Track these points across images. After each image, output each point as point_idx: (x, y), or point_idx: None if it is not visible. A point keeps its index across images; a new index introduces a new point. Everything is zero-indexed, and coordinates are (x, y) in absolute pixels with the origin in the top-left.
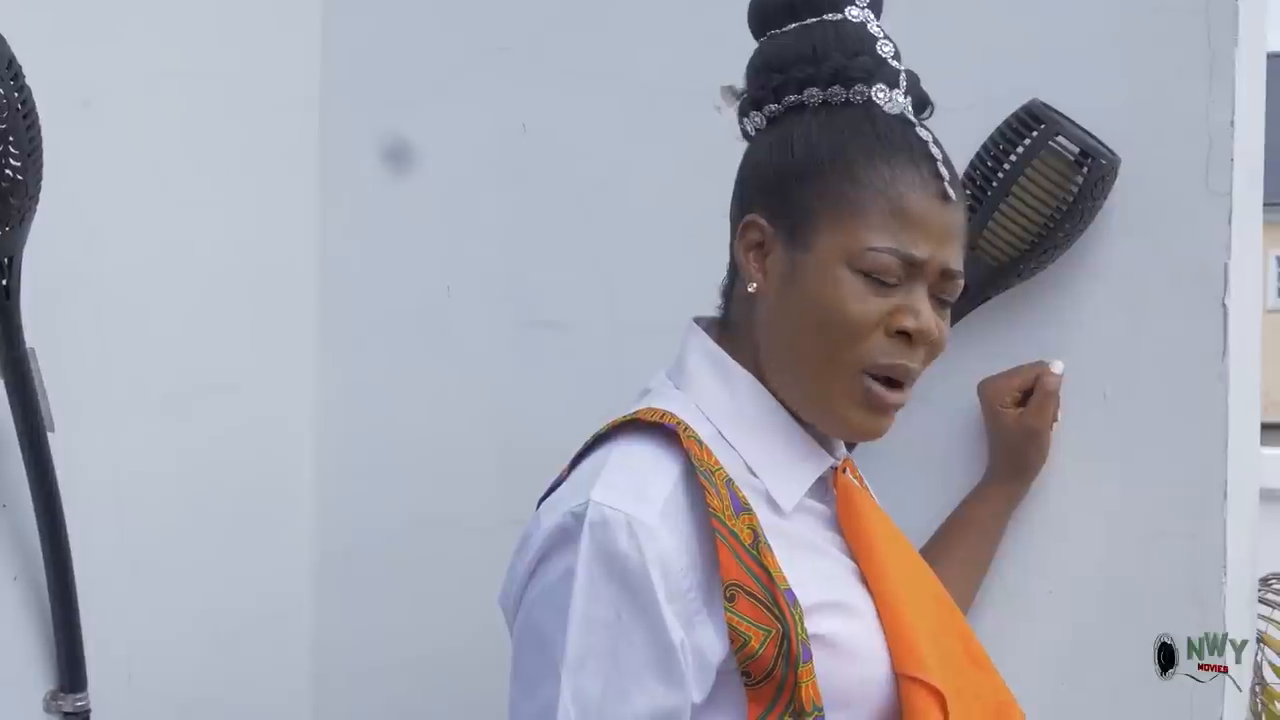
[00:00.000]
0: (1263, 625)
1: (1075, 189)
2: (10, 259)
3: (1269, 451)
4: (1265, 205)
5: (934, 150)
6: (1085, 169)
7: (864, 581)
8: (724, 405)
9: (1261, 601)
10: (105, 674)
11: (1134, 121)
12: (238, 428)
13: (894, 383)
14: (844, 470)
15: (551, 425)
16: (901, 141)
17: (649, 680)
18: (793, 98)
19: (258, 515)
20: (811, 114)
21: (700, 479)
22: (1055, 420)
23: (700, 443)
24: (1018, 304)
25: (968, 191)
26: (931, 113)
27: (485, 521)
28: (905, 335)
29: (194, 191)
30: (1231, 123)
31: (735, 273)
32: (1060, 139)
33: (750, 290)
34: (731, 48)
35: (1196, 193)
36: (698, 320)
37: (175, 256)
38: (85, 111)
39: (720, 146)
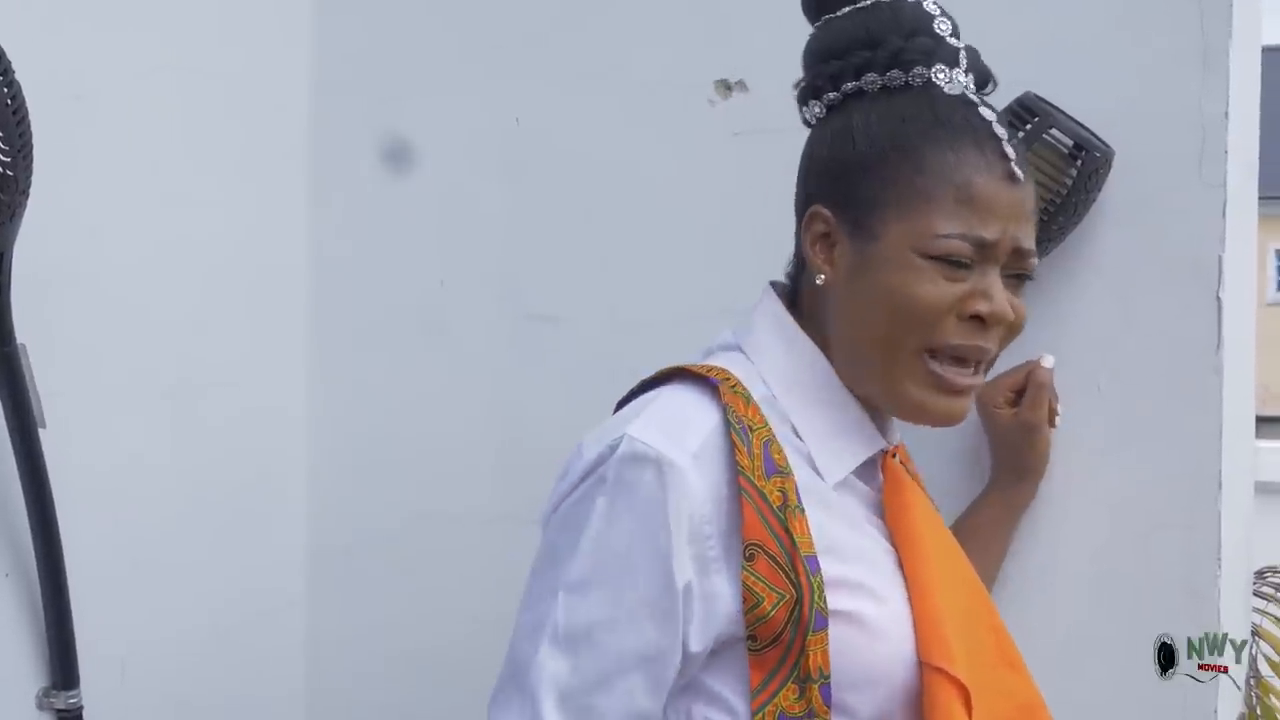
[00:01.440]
0: (1258, 618)
1: (1069, 182)
2: (0, 254)
3: (1267, 445)
4: (1266, 199)
5: (998, 129)
6: (1079, 162)
7: (900, 567)
8: (782, 370)
9: (1257, 595)
10: (98, 671)
11: (1128, 114)
12: (231, 423)
13: (963, 361)
14: (894, 456)
15: (548, 419)
16: (964, 124)
17: (643, 619)
18: (850, 84)
19: (252, 511)
20: (870, 100)
21: (733, 435)
22: (1056, 415)
23: (748, 400)
24: None
25: None
26: (994, 88)
27: (481, 516)
28: (978, 319)
29: (186, 187)
30: (1226, 115)
31: (802, 262)
32: (1054, 132)
33: (819, 283)
34: (726, 42)
35: (1191, 185)
36: (774, 284)
37: (167, 252)
38: (76, 106)
39: (715, 141)
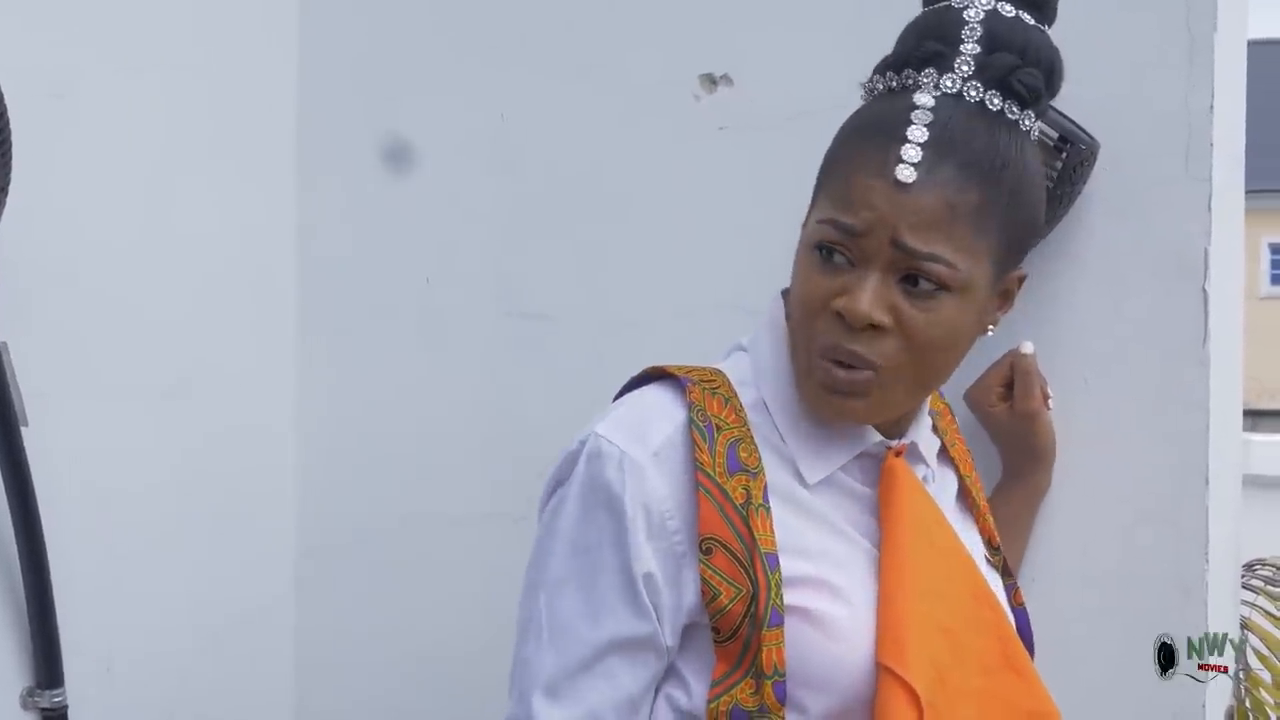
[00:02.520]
0: (1247, 611)
1: (1054, 175)
2: None
3: (1262, 438)
4: (1260, 192)
5: (912, 133)
6: (1064, 154)
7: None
8: (772, 372)
9: (1246, 588)
10: (83, 670)
11: (1113, 107)
12: (220, 421)
13: (841, 361)
14: (899, 454)
15: (537, 418)
16: (887, 124)
17: (620, 608)
18: (868, 85)
19: (240, 509)
20: (868, 100)
21: (694, 432)
22: (1049, 398)
23: (727, 400)
24: None
25: None
26: (1031, 105)
27: (470, 515)
28: (842, 317)
29: (171, 186)
30: (1211, 108)
31: None
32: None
33: None
34: (711, 37)
35: (1176, 178)
36: (785, 292)
37: (153, 250)
38: (58, 104)
39: (701, 135)
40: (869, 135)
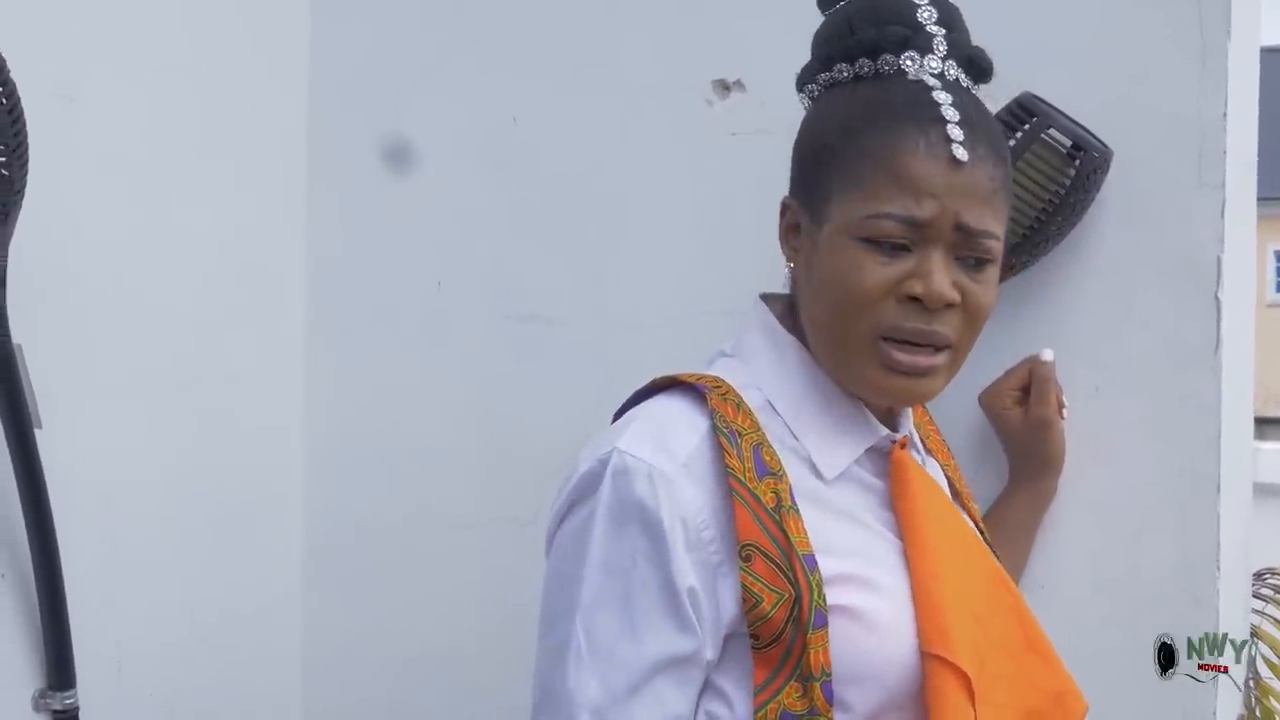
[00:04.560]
0: (1256, 620)
1: (1067, 182)
2: None
3: (1269, 446)
4: (1266, 199)
5: (946, 112)
6: (1077, 162)
7: (907, 559)
8: (774, 374)
9: (1256, 596)
10: (94, 671)
11: (1126, 114)
12: (226, 423)
13: (916, 345)
14: (903, 446)
15: (540, 420)
16: (912, 107)
17: (662, 624)
18: (825, 75)
19: (247, 510)
20: (839, 90)
21: (721, 439)
22: (1063, 408)
23: (738, 406)
24: (1010, 298)
25: None
26: (989, 78)
27: (474, 516)
28: (917, 300)
29: (181, 187)
30: (1224, 115)
31: None
32: (1052, 132)
33: (789, 273)
34: (724, 42)
35: (1189, 186)
36: (764, 296)
37: (162, 252)
38: (70, 106)
39: (713, 141)
40: (894, 122)
